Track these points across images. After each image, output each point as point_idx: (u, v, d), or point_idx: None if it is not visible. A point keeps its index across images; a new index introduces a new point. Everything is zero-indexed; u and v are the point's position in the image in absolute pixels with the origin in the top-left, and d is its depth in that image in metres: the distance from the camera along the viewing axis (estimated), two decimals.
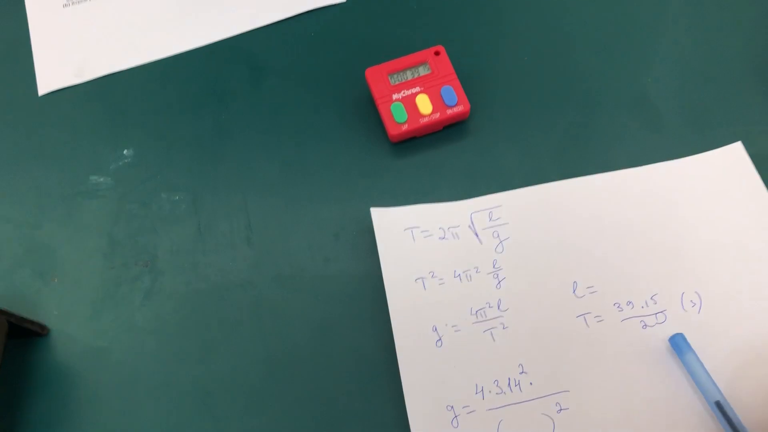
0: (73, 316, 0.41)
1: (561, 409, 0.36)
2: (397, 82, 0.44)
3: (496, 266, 0.40)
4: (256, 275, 0.41)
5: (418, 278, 0.40)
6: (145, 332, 0.40)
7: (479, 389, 0.36)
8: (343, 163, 0.45)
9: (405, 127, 0.43)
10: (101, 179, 0.46)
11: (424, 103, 0.43)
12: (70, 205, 0.45)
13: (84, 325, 0.41)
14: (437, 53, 0.45)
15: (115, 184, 0.46)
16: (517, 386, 0.36)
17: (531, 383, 0.37)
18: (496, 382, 0.37)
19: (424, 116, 0.43)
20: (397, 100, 0.44)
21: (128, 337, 0.40)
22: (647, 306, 0.38)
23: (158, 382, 0.38)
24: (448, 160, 0.44)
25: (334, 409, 0.37)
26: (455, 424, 0.36)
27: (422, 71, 0.44)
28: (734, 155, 0.42)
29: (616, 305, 0.38)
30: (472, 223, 0.42)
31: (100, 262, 0.43)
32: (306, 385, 0.38)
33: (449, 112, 0.43)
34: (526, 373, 0.37)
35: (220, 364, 0.39)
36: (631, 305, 0.38)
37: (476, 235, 0.41)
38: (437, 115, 0.43)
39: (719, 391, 0.34)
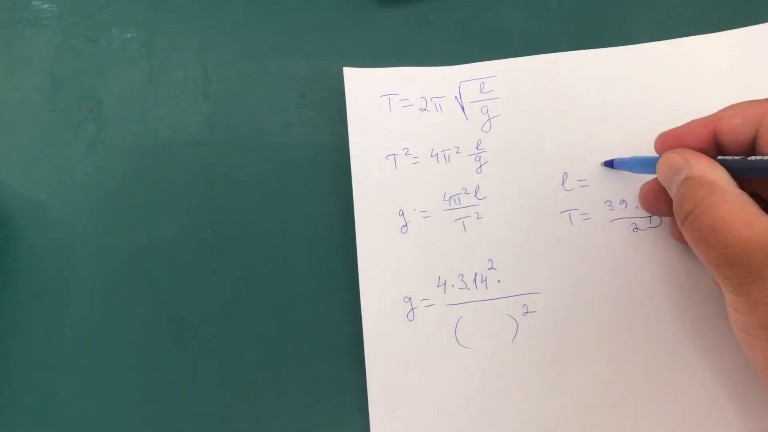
0: (9, 162, 0.37)
1: (527, 312, 0.33)
2: None
3: (479, 147, 0.35)
4: (209, 134, 0.37)
5: (390, 155, 0.35)
6: (87, 187, 0.37)
7: (441, 282, 0.33)
8: (317, 11, 0.38)
9: None
10: (45, 5, 0.40)
11: None
12: (8, 33, 0.40)
13: (20, 174, 0.37)
14: None
15: (60, 13, 0.40)
16: (483, 283, 0.33)
17: (499, 281, 0.33)
18: (461, 276, 0.33)
19: None
20: None
21: (68, 191, 0.37)
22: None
23: (97, 243, 0.35)
24: (440, 16, 0.37)
25: (282, 286, 0.34)
26: (411, 317, 0.33)
27: None
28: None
29: (608, 203, 0.34)
30: (459, 94, 0.36)
31: (40, 104, 0.38)
32: (255, 258, 0.35)
33: None
34: (495, 269, 0.33)
35: (164, 229, 0.35)
36: (624, 204, 0.34)
37: (462, 108, 0.36)
38: None
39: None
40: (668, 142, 0.30)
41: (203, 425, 0.33)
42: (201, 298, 0.34)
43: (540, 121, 0.35)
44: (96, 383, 0.33)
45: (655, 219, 0.34)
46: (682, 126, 0.30)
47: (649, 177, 0.32)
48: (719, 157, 0.27)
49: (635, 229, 0.33)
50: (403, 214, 0.34)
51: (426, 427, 0.32)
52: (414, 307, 0.33)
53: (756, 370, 0.27)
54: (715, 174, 0.26)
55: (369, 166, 0.35)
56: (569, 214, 0.34)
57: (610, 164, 0.34)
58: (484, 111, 0.36)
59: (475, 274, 0.33)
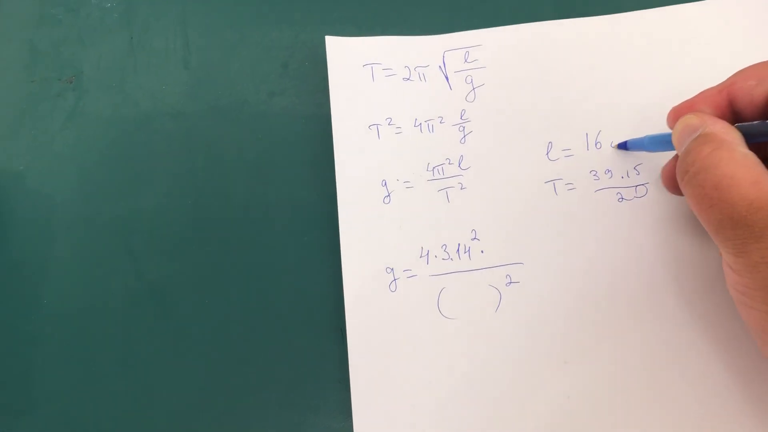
0: None
1: (511, 282, 0.32)
2: None
3: (463, 117, 0.35)
4: (190, 104, 0.36)
5: (373, 125, 0.35)
6: (65, 158, 0.36)
7: (424, 253, 0.33)
8: None
9: None
10: None
11: None
12: None
13: None
14: None
15: None
16: (467, 253, 0.33)
17: (482, 251, 0.33)
18: (444, 247, 0.33)
19: None
20: None
21: (47, 161, 0.36)
22: (628, 177, 0.33)
23: (76, 214, 0.35)
24: None
25: (264, 257, 0.34)
26: (393, 287, 0.33)
27: None
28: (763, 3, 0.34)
29: (593, 173, 0.33)
30: (443, 63, 0.35)
31: (19, 74, 0.38)
32: (235, 230, 0.34)
33: None
34: (478, 240, 0.33)
35: (144, 200, 0.35)
36: (609, 174, 0.33)
37: (446, 78, 0.35)
38: None
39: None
40: (683, 114, 0.28)
41: (183, 396, 0.32)
42: (181, 269, 0.34)
43: (524, 91, 0.35)
44: (75, 354, 0.33)
45: (641, 189, 0.33)
46: (696, 96, 0.29)
47: (667, 156, 0.32)
48: (737, 124, 0.26)
49: (620, 199, 0.33)
50: (385, 184, 0.34)
51: (408, 397, 0.31)
52: (396, 277, 0.33)
53: (752, 333, 0.27)
54: (729, 135, 0.25)
55: (351, 136, 0.34)
56: (554, 184, 0.33)
57: (624, 146, 0.33)
58: (468, 80, 0.35)
59: (458, 244, 0.33)
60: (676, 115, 0.29)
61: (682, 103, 0.29)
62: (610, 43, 0.35)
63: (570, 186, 0.33)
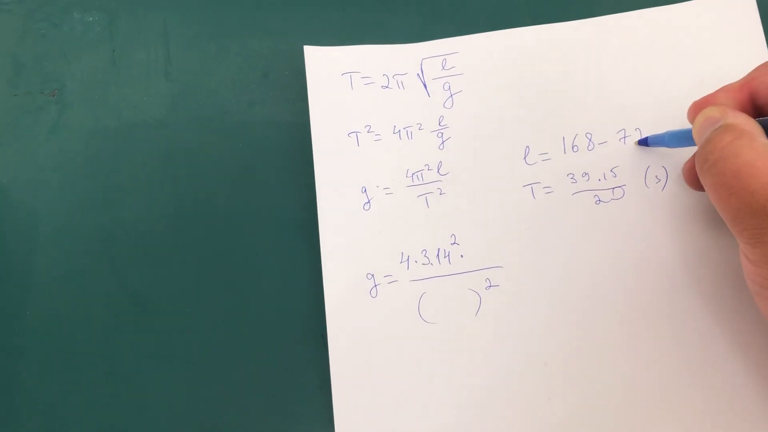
0: None
1: (490, 286, 0.33)
2: None
3: (441, 124, 0.35)
4: (172, 115, 0.37)
5: (352, 132, 0.35)
6: (48, 170, 0.36)
7: (404, 258, 0.33)
8: None
9: None
10: None
11: None
12: None
13: None
14: None
15: None
16: (447, 258, 0.33)
17: (462, 255, 0.33)
18: (424, 252, 0.33)
19: None
20: None
21: (30, 174, 0.36)
22: (605, 179, 0.34)
23: (60, 226, 0.35)
24: None
25: (245, 265, 0.34)
26: (374, 293, 0.33)
27: None
28: (740, 4, 0.35)
29: (570, 176, 0.34)
30: (421, 71, 0.36)
31: (1, 88, 0.38)
32: (216, 239, 0.35)
33: None
34: (458, 244, 0.33)
35: (126, 211, 0.35)
36: (586, 177, 0.34)
37: (425, 85, 0.36)
38: None
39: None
40: (703, 108, 0.28)
41: (167, 405, 0.33)
42: (164, 278, 0.34)
43: (502, 96, 0.35)
44: (59, 366, 0.33)
45: (618, 191, 0.33)
46: (716, 91, 0.29)
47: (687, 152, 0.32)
48: (758, 119, 0.26)
49: (598, 202, 0.33)
50: (365, 191, 0.34)
51: (390, 402, 0.31)
52: (377, 283, 0.33)
53: None
54: (750, 126, 0.25)
55: (331, 143, 0.35)
56: (531, 188, 0.34)
57: (644, 142, 0.33)
58: (446, 87, 0.35)
59: (438, 249, 0.33)
60: (696, 108, 0.29)
61: (703, 97, 0.29)
62: (585, 47, 0.35)
63: (548, 189, 0.34)
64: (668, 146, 0.32)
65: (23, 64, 0.38)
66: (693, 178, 0.31)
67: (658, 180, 0.33)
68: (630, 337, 0.31)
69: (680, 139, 0.31)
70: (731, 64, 0.34)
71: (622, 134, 0.34)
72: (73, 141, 0.37)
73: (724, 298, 0.31)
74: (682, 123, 0.31)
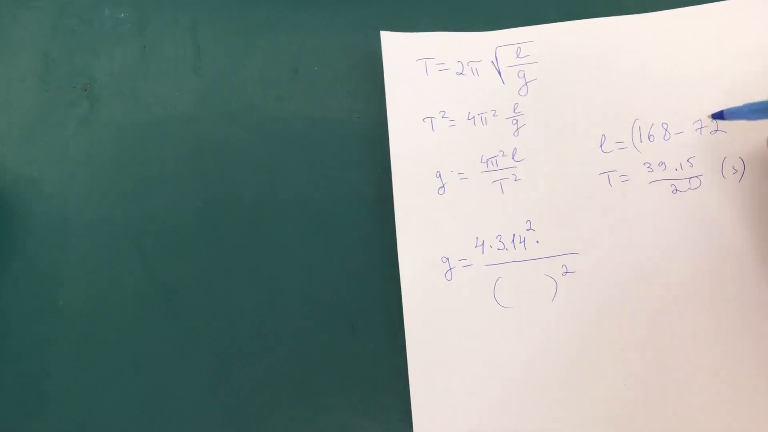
0: (3, 141, 0.37)
1: (567, 272, 0.33)
2: None
3: (516, 111, 0.35)
4: (201, 109, 0.37)
5: (427, 117, 0.35)
6: (79, 163, 0.37)
7: (479, 243, 0.33)
8: None
9: None
10: None
11: None
12: (2, 15, 0.40)
13: (14, 152, 0.37)
14: None
15: None
16: (522, 243, 0.33)
17: (537, 241, 0.33)
18: (499, 237, 0.33)
19: None
20: None
21: (61, 167, 0.37)
22: (681, 169, 0.34)
23: (90, 218, 0.36)
24: None
25: (271, 259, 0.35)
26: (449, 276, 0.33)
27: None
28: None
29: (647, 165, 0.34)
30: (496, 58, 0.36)
31: (34, 83, 0.38)
32: (244, 232, 0.35)
33: None
34: (533, 230, 0.33)
35: (156, 204, 0.36)
36: (663, 166, 0.34)
37: (499, 73, 0.36)
38: None
39: None
40: None
41: (195, 396, 0.33)
42: (193, 270, 0.35)
43: (577, 85, 0.35)
44: (89, 356, 0.34)
45: (695, 181, 0.33)
46: None
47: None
48: None
49: (675, 191, 0.33)
50: (440, 176, 0.34)
51: (465, 385, 0.31)
52: (452, 267, 0.33)
53: None
54: None
55: (406, 128, 0.35)
56: (608, 175, 0.34)
57: (719, 116, 0.33)
58: (521, 75, 0.36)
59: (513, 234, 0.33)
60: None
61: None
62: (662, 39, 0.35)
63: (624, 178, 0.34)
64: (746, 119, 0.32)
65: (54, 59, 0.39)
66: None
67: (735, 171, 0.33)
68: (708, 325, 0.31)
69: (760, 111, 0.31)
70: None
71: (698, 125, 0.34)
72: (104, 135, 0.37)
73: None
74: None
